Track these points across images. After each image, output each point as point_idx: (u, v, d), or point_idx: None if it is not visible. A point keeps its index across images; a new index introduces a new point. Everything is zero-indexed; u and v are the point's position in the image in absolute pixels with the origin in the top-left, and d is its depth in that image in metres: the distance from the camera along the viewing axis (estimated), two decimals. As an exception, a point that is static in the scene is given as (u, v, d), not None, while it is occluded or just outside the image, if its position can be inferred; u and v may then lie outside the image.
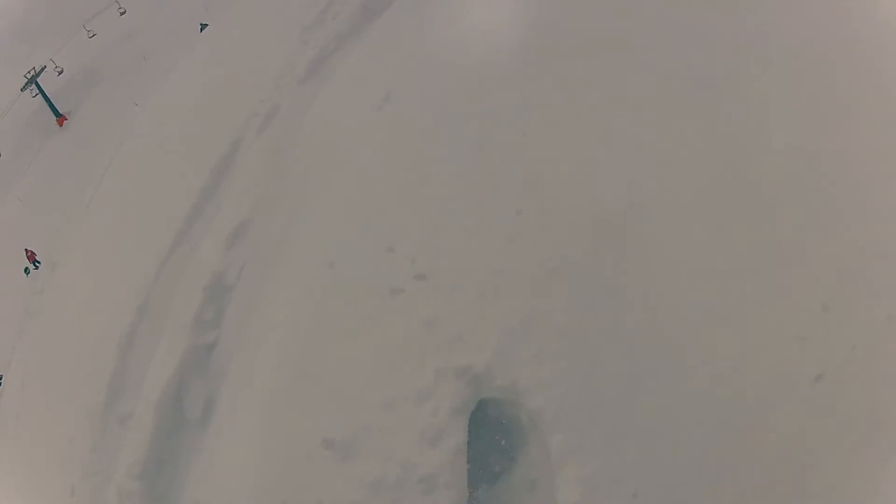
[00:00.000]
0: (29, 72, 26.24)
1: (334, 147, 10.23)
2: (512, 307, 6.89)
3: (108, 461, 9.73)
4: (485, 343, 6.89)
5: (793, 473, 5.79)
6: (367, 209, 9.10)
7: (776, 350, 6.38)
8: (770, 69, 8.31)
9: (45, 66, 26.61)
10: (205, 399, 9.07)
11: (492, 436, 6.92)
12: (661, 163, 7.69)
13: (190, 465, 8.91)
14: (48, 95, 26.20)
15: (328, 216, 9.51)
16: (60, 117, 26.30)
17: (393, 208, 8.88)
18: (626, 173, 7.55)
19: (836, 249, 6.82)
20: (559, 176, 7.78)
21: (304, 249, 9.38)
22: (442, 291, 7.36)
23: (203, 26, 21.79)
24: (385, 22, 12.90)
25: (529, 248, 7.27)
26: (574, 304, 6.69)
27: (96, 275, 12.77)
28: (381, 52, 11.60)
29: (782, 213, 7.12)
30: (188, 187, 11.99)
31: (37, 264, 17.79)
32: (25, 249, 17.81)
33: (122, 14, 28.31)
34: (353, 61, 12.21)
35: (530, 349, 6.65)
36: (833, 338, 6.31)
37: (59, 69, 26.74)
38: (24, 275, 17.35)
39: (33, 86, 26.14)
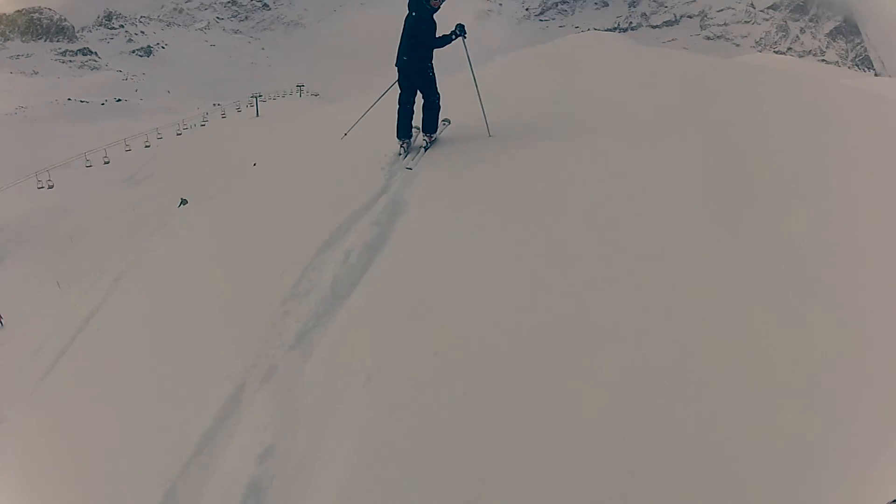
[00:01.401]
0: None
1: (335, 404, 14.56)
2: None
3: None
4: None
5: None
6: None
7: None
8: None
9: None
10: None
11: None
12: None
13: None
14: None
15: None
16: (-20, 276, 23.53)
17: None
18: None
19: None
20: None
21: (331, 462, 13.34)
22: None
23: (183, 202, 23.77)
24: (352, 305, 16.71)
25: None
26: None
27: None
28: (356, 337, 13.99)
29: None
30: (197, 418, 14.61)
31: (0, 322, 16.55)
32: None
33: (50, 188, 28.51)
34: (331, 341, 14.82)
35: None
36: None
37: None
38: None
39: None
